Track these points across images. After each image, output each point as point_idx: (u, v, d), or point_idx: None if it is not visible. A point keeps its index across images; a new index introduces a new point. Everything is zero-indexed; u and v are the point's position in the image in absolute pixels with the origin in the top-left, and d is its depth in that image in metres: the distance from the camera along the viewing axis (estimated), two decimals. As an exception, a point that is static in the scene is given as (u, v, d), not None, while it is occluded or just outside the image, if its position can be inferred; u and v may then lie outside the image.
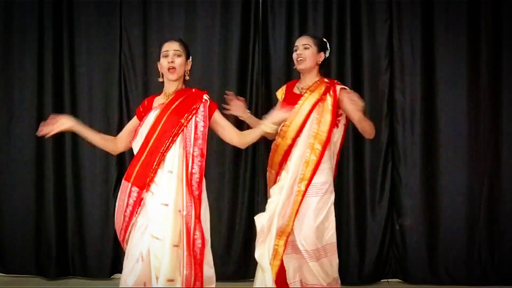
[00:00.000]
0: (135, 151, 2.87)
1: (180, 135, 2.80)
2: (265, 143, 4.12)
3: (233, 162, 4.13)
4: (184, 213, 2.73)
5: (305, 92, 3.14)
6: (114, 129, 4.16)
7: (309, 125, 3.09)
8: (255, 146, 4.13)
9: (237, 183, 4.14)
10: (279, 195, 3.10)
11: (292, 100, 3.18)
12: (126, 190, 2.81)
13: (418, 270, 4.04)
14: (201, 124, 2.83)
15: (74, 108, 4.21)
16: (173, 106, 2.84)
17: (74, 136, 4.20)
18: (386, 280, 4.15)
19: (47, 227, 4.22)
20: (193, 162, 2.79)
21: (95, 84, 4.21)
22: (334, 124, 3.10)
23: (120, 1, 4.17)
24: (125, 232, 2.84)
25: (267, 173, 3.31)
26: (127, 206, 2.80)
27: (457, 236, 4.05)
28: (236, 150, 4.05)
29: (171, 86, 2.91)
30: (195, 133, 2.81)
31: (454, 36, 4.02)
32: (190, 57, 2.96)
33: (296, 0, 4.09)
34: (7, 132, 4.26)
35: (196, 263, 2.75)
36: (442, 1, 4.03)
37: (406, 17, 4.05)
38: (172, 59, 2.85)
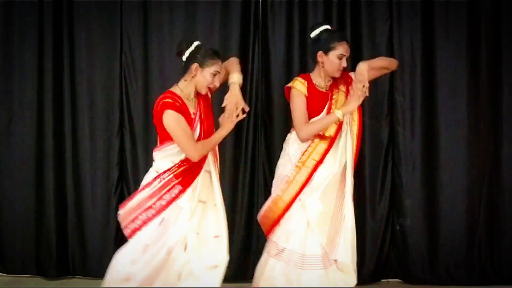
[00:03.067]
0: (175, 150, 2.89)
1: None
2: (265, 143, 4.13)
3: (233, 162, 4.13)
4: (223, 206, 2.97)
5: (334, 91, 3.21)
6: (114, 129, 4.18)
7: None
8: (255, 144, 4.13)
9: (237, 183, 4.14)
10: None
11: (320, 96, 3.18)
12: (168, 185, 2.85)
13: (418, 270, 4.05)
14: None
15: (74, 108, 4.21)
16: (202, 112, 2.96)
17: (74, 136, 4.22)
18: (386, 280, 4.16)
19: (47, 227, 4.22)
20: (219, 161, 3.07)
21: (95, 84, 4.20)
22: None
23: (120, 1, 4.17)
24: (143, 223, 2.85)
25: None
26: (159, 199, 2.84)
27: (457, 236, 4.05)
28: (236, 149, 4.06)
29: (193, 89, 2.96)
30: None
31: (454, 36, 4.02)
32: None
33: (296, 0, 4.09)
34: (7, 132, 4.26)
35: None
36: (442, 1, 4.03)
37: (406, 17, 4.05)
38: (216, 82, 2.94)
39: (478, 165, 4.04)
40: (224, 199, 4.03)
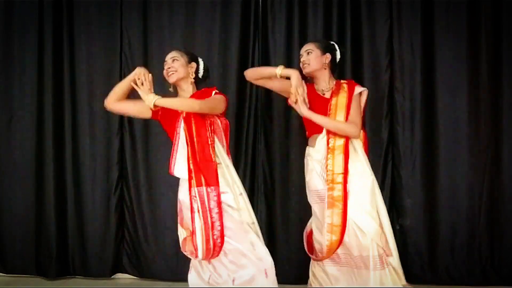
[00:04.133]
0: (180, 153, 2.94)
1: None
2: (265, 143, 4.13)
3: (233, 161, 4.11)
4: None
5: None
6: (114, 129, 4.18)
7: None
8: (255, 144, 4.13)
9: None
10: None
11: (317, 101, 3.21)
12: (203, 197, 2.86)
13: (418, 270, 4.04)
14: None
15: (74, 108, 4.21)
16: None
17: (74, 135, 4.22)
18: (386, 280, 4.15)
19: (47, 227, 4.22)
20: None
21: (95, 84, 4.20)
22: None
23: (120, 1, 4.17)
24: (222, 239, 2.86)
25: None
26: (210, 211, 2.85)
27: (457, 236, 4.04)
28: (236, 149, 4.05)
29: (183, 92, 3.11)
30: None
31: (454, 36, 4.02)
32: (193, 62, 3.11)
33: (296, 0, 4.09)
34: (7, 132, 4.26)
35: None
36: (442, 1, 4.02)
37: (406, 17, 4.05)
38: (169, 65, 3.07)
39: (478, 165, 4.04)
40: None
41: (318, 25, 4.06)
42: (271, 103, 4.11)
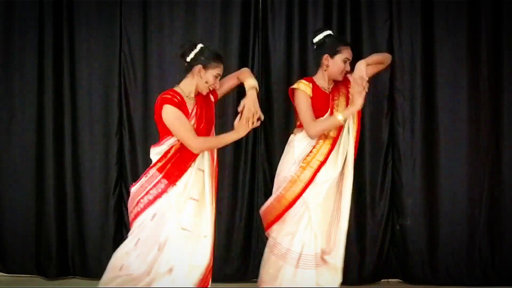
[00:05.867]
0: (167, 147, 2.96)
1: None
2: (265, 143, 4.13)
3: (233, 162, 4.12)
4: (213, 206, 3.02)
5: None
6: (113, 128, 4.17)
7: None
8: (255, 144, 4.13)
9: (236, 183, 4.13)
10: None
11: (324, 97, 3.28)
12: (154, 180, 2.93)
13: (418, 270, 4.04)
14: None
15: (74, 108, 4.21)
16: (199, 112, 3.02)
17: (74, 135, 4.22)
18: (386, 280, 4.15)
19: (47, 227, 4.22)
20: (217, 161, 3.10)
21: (95, 84, 4.20)
22: None
23: (120, 1, 4.17)
24: (135, 217, 2.96)
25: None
26: (146, 193, 2.93)
27: (457, 236, 4.04)
28: (235, 149, 4.06)
29: (193, 89, 3.04)
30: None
31: (454, 36, 4.01)
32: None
33: (296, 0, 4.09)
34: (7, 132, 4.26)
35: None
36: (442, 1, 4.02)
37: (406, 17, 4.04)
38: (217, 84, 3.04)
39: (479, 165, 4.03)
40: (224, 199, 4.10)
41: (318, 25, 4.04)
42: (271, 103, 4.11)
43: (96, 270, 4.17)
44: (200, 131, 2.98)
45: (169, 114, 2.89)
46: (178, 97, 2.94)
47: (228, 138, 3.01)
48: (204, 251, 2.94)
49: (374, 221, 4.08)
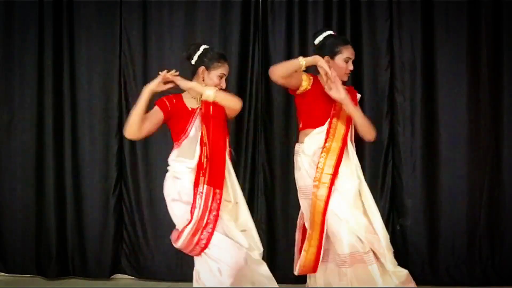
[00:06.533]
0: (192, 152, 2.93)
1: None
2: (265, 143, 4.13)
3: (233, 162, 4.11)
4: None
5: None
6: (114, 128, 4.17)
7: None
8: (255, 146, 4.13)
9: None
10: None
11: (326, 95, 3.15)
12: (209, 196, 2.87)
13: (418, 270, 4.03)
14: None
15: (74, 108, 4.21)
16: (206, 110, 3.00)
17: (74, 135, 4.22)
18: (386, 280, 4.15)
19: (47, 227, 4.22)
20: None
21: (95, 84, 4.21)
22: None
23: (120, 1, 4.17)
24: (208, 241, 2.84)
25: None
26: (210, 211, 2.86)
27: (457, 236, 4.04)
28: (236, 150, 4.05)
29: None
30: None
31: (454, 36, 4.01)
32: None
33: (296, 0, 4.09)
34: (7, 132, 4.26)
35: None
36: (442, 1, 4.02)
37: (406, 16, 4.04)
38: (222, 84, 3.03)
39: (479, 165, 4.03)
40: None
41: (318, 25, 4.05)
42: (271, 103, 4.11)
43: (96, 270, 4.19)
44: (213, 132, 2.96)
45: None
46: (175, 99, 3.01)
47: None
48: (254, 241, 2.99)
49: (374, 221, 4.07)
